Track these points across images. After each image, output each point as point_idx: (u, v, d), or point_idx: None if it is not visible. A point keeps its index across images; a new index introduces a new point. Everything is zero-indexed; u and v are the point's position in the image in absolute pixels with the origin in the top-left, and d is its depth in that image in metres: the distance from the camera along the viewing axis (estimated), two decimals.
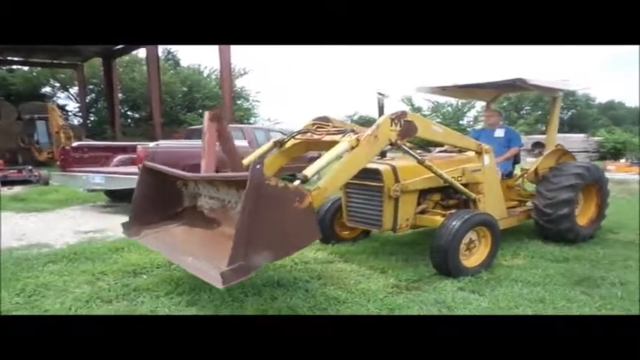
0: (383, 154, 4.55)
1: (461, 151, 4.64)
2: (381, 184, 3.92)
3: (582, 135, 19.06)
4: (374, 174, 3.97)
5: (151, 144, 8.12)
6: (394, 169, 3.96)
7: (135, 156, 7.35)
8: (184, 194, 3.77)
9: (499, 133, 5.31)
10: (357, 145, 3.20)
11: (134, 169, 7.31)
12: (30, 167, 11.53)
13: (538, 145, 5.53)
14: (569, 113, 42.58)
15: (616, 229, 5.60)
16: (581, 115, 42.19)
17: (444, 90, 5.58)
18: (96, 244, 4.90)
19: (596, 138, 19.52)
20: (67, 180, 8.16)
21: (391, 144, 3.46)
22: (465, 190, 4.18)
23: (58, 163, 8.18)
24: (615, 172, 12.49)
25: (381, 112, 4.59)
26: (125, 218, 3.72)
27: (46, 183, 10.75)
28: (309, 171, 3.00)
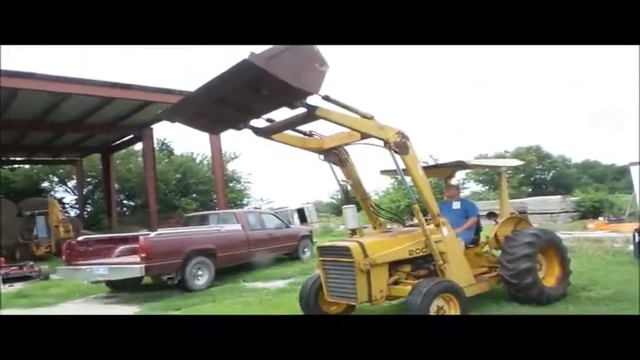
0: (354, 232, 5.06)
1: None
2: (352, 260, 4.33)
3: (559, 197, 19.97)
4: (344, 251, 4.45)
5: (152, 233, 8.59)
6: (362, 245, 4.42)
7: (137, 245, 7.78)
8: None
9: (456, 205, 5.75)
10: (368, 119, 4.10)
11: (136, 258, 7.72)
12: (31, 263, 11.72)
13: (491, 216, 6.15)
14: (551, 174, 44.19)
15: (589, 287, 5.91)
16: (561, 175, 43.77)
17: (404, 171, 6.17)
18: None
19: (573, 198, 20.36)
20: (70, 274, 8.45)
21: (385, 142, 4.21)
22: (435, 249, 4.49)
23: (63, 257, 8.52)
24: (595, 230, 12.95)
25: (346, 196, 5.24)
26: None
27: (47, 278, 10.92)
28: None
